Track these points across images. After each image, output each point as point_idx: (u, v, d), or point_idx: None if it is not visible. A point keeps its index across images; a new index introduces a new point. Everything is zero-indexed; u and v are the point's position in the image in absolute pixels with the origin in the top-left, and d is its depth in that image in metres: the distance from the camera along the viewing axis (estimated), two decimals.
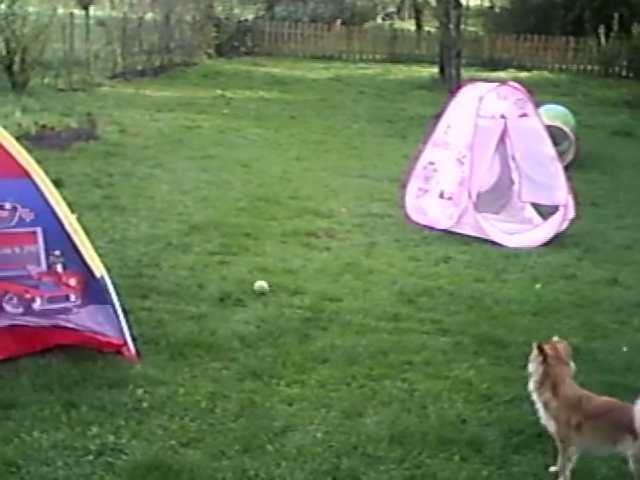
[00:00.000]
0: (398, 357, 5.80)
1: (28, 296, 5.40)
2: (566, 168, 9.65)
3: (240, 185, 10.78)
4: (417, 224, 9.27)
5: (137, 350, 5.53)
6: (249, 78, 22.63)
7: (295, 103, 18.78)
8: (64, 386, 5.08)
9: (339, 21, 29.84)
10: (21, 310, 5.40)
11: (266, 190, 10.57)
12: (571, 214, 9.09)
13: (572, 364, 4.48)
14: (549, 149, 9.24)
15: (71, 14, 19.82)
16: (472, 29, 29.35)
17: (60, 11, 19.88)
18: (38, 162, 5.48)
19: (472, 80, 11.31)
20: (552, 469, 4.46)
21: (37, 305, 5.41)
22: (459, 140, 9.13)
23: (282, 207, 9.80)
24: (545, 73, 26.08)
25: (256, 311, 6.50)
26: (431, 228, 9.10)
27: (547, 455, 4.57)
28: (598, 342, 6.25)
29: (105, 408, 4.88)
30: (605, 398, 4.40)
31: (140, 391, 5.10)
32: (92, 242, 5.63)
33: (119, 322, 5.48)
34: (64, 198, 5.56)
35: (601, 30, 25.44)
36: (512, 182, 9.48)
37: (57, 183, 5.92)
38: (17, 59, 17.08)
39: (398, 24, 34.15)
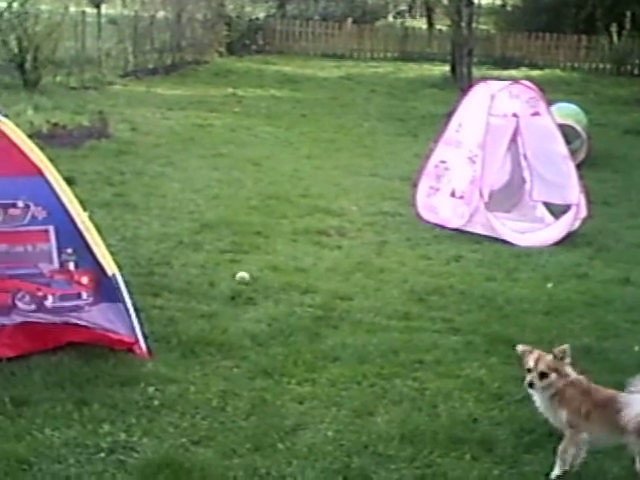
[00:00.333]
0: (409, 356, 5.79)
1: (40, 294, 5.42)
2: (578, 167, 9.61)
3: (251, 183, 10.79)
4: (428, 223, 9.26)
5: (148, 348, 5.53)
6: (260, 76, 22.65)
7: (306, 101, 18.78)
8: (76, 384, 5.09)
9: (350, 19, 29.83)
10: (33, 307, 5.43)
11: (277, 188, 10.58)
12: (583, 213, 9.06)
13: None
14: (561, 148, 9.21)
15: (83, 12, 19.90)
16: (484, 27, 29.34)
17: (72, 9, 19.98)
18: (50, 160, 5.49)
19: (484, 79, 11.27)
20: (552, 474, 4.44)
21: (49, 303, 5.44)
22: (471, 139, 9.11)
23: (293, 205, 9.80)
24: (557, 71, 26.02)
25: (267, 309, 6.51)
26: (442, 227, 9.08)
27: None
28: (610, 341, 6.23)
29: (117, 406, 4.89)
30: (612, 390, 4.41)
31: (151, 389, 5.11)
32: (104, 240, 5.64)
33: (130, 320, 5.49)
34: (76, 196, 5.57)
35: (613, 28, 25.36)
36: (524, 181, 9.45)
37: (69, 181, 5.93)
38: (29, 57, 17.16)
39: (409, 22, 34.11)
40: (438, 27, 30.53)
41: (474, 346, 6.03)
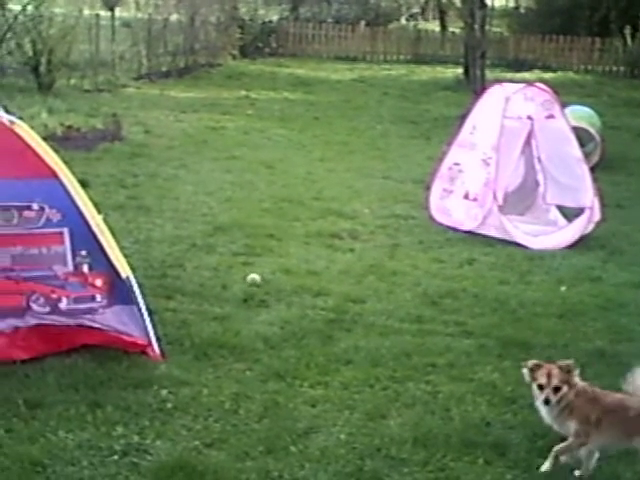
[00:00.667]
0: (422, 359, 5.78)
1: (54, 296, 5.45)
2: (592, 169, 9.59)
3: (264, 186, 10.81)
4: (441, 225, 9.25)
5: (161, 350, 5.55)
6: (273, 79, 22.67)
7: (319, 104, 18.79)
8: (89, 386, 5.11)
9: (363, 22, 29.83)
10: (48, 309, 5.45)
11: (290, 191, 10.59)
12: (597, 216, 9.03)
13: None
14: (576, 151, 9.19)
15: (97, 15, 19.95)
16: (497, 30, 29.27)
17: (86, 12, 20.04)
18: (64, 163, 5.52)
19: (497, 81, 11.25)
20: (577, 473, 4.44)
21: (63, 305, 5.46)
22: (485, 141, 9.10)
23: (306, 208, 9.81)
24: (570, 74, 25.93)
25: (280, 312, 6.51)
26: (455, 229, 9.07)
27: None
28: (623, 345, 6.21)
29: (130, 408, 4.91)
30: (620, 394, 4.40)
31: (164, 391, 5.12)
32: (117, 242, 5.66)
33: (144, 322, 5.51)
34: (90, 199, 5.60)
35: (627, 31, 25.29)
36: (537, 184, 9.43)
37: (83, 184, 5.94)
38: (43, 60, 17.24)
39: (422, 25, 34.10)
40: (451, 29, 30.47)
41: (487, 349, 6.02)
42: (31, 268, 5.44)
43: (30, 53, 17.34)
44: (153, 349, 5.52)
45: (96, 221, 5.49)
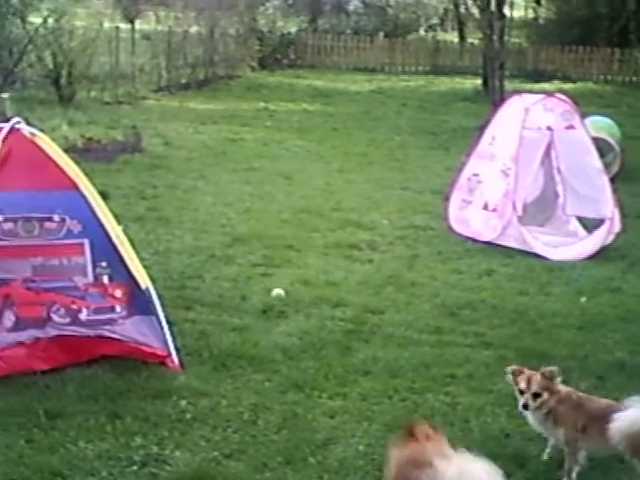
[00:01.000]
0: (440, 370, 5.77)
1: (75, 307, 5.48)
2: (612, 180, 9.54)
3: (283, 197, 10.83)
4: (460, 236, 9.23)
5: (180, 361, 5.57)
6: (292, 91, 22.73)
7: (338, 115, 18.82)
8: (109, 397, 5.14)
9: (382, 33, 29.86)
10: (68, 320, 5.49)
11: (308, 202, 10.61)
12: (617, 227, 8.99)
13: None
14: (596, 161, 9.15)
15: (117, 28, 20.10)
16: (516, 40, 29.19)
17: (106, 25, 20.20)
18: (85, 174, 5.57)
19: (516, 92, 11.22)
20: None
21: (83, 316, 5.49)
22: (504, 152, 9.08)
23: (324, 219, 9.82)
24: (590, 84, 25.84)
25: (298, 323, 6.52)
26: (474, 240, 9.05)
27: (594, 470, 4.52)
28: None
29: (149, 419, 4.93)
30: (606, 400, 4.40)
31: (183, 402, 5.14)
32: (137, 254, 5.70)
33: (163, 333, 5.54)
34: (110, 210, 5.64)
35: None
36: (557, 195, 9.40)
37: (103, 195, 5.98)
38: (64, 73, 17.38)
39: (441, 36, 34.06)
40: (470, 40, 30.43)
41: (506, 361, 5.97)
42: (52, 279, 5.48)
43: (51, 66, 17.48)
44: (172, 360, 5.54)
45: (116, 232, 5.53)
